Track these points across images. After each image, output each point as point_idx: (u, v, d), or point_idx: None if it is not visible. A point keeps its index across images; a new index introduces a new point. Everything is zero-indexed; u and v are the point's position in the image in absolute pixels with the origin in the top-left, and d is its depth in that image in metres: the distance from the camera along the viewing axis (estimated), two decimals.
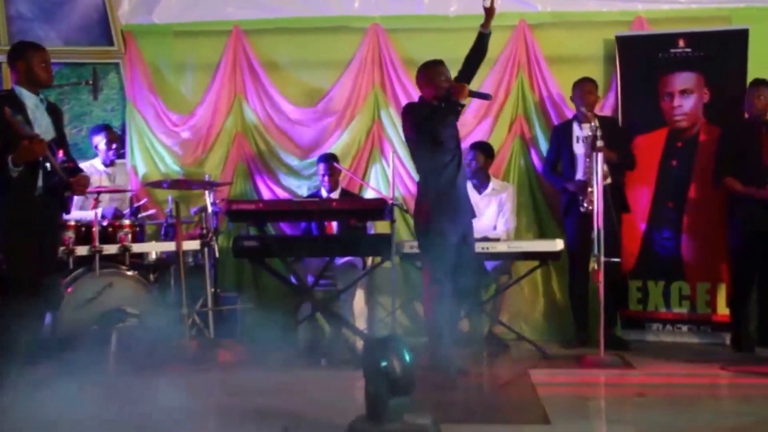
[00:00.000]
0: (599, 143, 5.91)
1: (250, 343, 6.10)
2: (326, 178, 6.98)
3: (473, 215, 5.83)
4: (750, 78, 6.55)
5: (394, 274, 6.54)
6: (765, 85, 6.36)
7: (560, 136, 6.79)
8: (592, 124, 6.04)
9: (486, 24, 5.59)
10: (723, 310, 6.61)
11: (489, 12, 5.55)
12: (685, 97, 6.89)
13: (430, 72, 5.71)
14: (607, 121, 6.61)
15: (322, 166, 7.02)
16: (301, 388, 4.95)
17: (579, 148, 6.61)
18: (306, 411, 4.32)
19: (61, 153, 5.39)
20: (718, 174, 6.38)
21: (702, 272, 6.73)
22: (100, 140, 7.01)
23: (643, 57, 6.96)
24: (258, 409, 4.40)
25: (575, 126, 6.67)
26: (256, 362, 5.68)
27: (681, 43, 6.91)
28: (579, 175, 6.58)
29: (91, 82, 6.34)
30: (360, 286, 6.89)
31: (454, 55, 6.52)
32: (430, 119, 5.53)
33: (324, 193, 7.03)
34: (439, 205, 5.57)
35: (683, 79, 6.89)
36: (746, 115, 6.46)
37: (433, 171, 5.63)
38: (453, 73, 5.67)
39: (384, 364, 3.61)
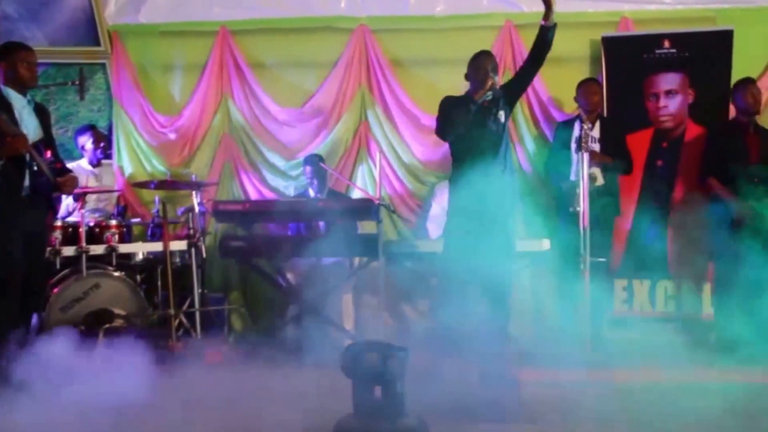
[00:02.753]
0: (592, 145, 5.93)
1: (238, 344, 6.10)
2: (314, 180, 6.99)
3: (503, 238, 5.46)
4: (734, 79, 6.59)
5: (381, 274, 6.55)
6: (754, 83, 6.40)
7: (561, 133, 6.79)
8: (583, 125, 6.06)
9: (546, 17, 5.43)
10: (709, 309, 6.64)
11: (546, 3, 5.41)
12: (671, 97, 6.93)
13: (470, 64, 5.57)
14: (608, 122, 6.63)
15: (308, 169, 7.03)
16: (289, 388, 4.96)
17: (575, 149, 6.62)
18: (293, 411, 4.33)
19: (48, 153, 5.40)
20: (704, 172, 6.42)
21: (688, 272, 6.76)
22: (86, 140, 7.00)
23: (628, 57, 6.99)
24: (245, 410, 4.40)
25: (577, 125, 6.66)
26: (243, 363, 5.69)
27: (666, 43, 6.95)
28: (572, 176, 6.60)
29: (77, 82, 6.33)
30: (347, 287, 6.90)
31: (440, 55, 6.57)
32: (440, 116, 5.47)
33: (311, 194, 7.04)
34: (454, 209, 5.55)
35: (668, 80, 6.93)
36: (733, 114, 6.48)
37: (453, 170, 5.59)
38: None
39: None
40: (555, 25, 5.44)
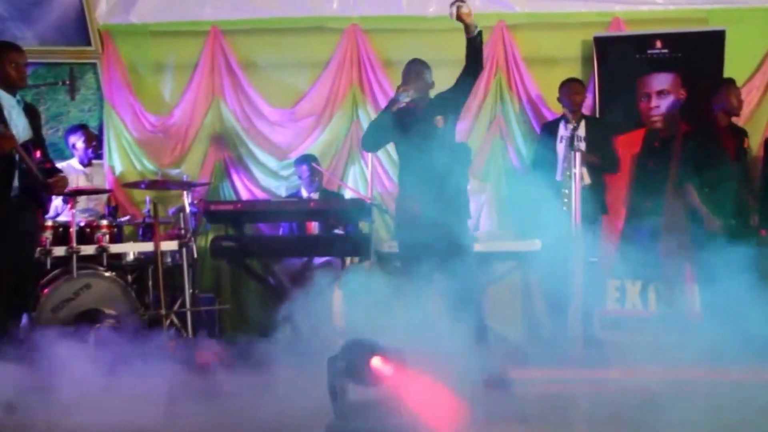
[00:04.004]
0: (578, 144, 5.94)
1: (228, 344, 6.08)
2: (315, 180, 6.97)
3: (447, 244, 5.40)
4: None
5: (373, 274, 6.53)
6: (735, 85, 6.41)
7: (546, 134, 6.79)
8: (570, 125, 6.06)
9: (466, 30, 5.43)
10: (698, 309, 6.64)
11: (462, 22, 5.33)
12: (662, 97, 6.94)
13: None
14: (593, 122, 6.63)
15: (304, 168, 7.01)
16: (279, 388, 4.94)
17: (561, 149, 6.63)
18: (283, 412, 4.31)
19: (38, 153, 5.38)
20: (682, 176, 6.42)
21: (679, 272, 6.76)
22: (77, 140, 6.97)
23: (620, 58, 7.00)
24: (235, 410, 4.39)
25: (561, 125, 6.67)
26: (233, 363, 5.66)
27: (658, 44, 6.96)
28: (558, 176, 6.60)
29: (68, 82, 6.32)
30: (338, 286, 6.88)
31: (432, 55, 6.50)
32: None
33: (304, 194, 7.03)
34: (399, 214, 5.64)
35: (660, 80, 6.94)
36: (716, 115, 6.48)
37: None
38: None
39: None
40: (479, 33, 5.36)
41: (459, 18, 5.28)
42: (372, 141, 5.67)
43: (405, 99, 5.39)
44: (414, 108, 5.47)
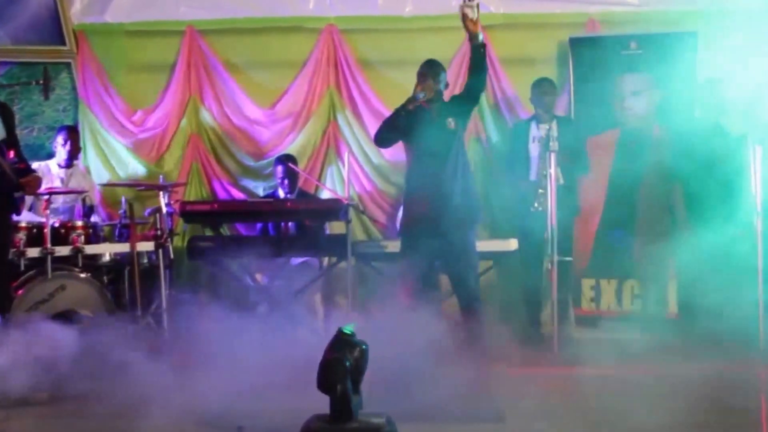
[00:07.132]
0: (553, 145, 5.97)
1: (205, 344, 6.06)
2: (286, 181, 6.96)
3: (448, 242, 5.59)
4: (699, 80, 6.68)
5: (350, 274, 6.54)
6: (719, 83, 6.47)
7: (518, 134, 6.83)
8: (543, 125, 6.09)
9: (470, 38, 5.54)
10: (675, 308, 6.70)
11: (466, 28, 5.50)
12: (637, 98, 6.98)
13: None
14: (564, 122, 6.66)
15: (279, 169, 7.00)
16: (261, 386, 4.94)
17: (534, 149, 6.66)
18: (262, 411, 4.32)
19: (11, 153, 5.34)
20: (672, 175, 6.48)
21: (654, 271, 6.81)
22: (62, 140, 6.88)
23: (595, 59, 7.03)
24: (213, 410, 4.38)
25: (533, 126, 6.70)
26: (210, 362, 5.64)
27: (632, 45, 7.00)
28: (531, 176, 6.63)
29: (42, 81, 6.25)
30: (316, 286, 6.89)
31: (409, 55, 6.57)
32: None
33: (281, 194, 7.01)
34: (405, 213, 5.74)
35: (634, 81, 6.98)
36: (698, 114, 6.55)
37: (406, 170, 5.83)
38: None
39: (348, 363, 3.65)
40: (483, 44, 5.57)
41: (464, 24, 5.47)
42: (385, 137, 5.83)
43: (422, 98, 5.61)
44: (428, 109, 5.64)
